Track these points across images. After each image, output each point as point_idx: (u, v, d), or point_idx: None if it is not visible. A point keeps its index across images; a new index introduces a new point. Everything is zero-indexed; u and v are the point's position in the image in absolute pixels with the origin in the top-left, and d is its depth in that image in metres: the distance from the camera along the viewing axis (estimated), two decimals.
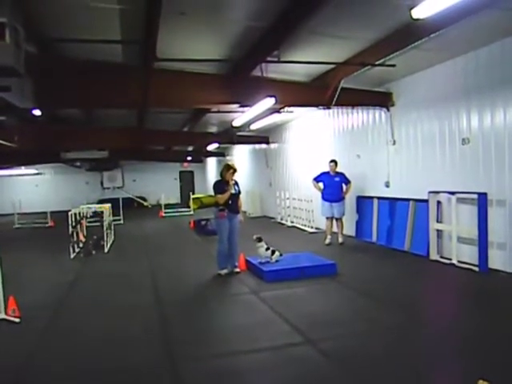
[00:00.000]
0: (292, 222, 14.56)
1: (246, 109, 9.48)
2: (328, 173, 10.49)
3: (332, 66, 8.51)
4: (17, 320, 5.77)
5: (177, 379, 4.02)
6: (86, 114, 13.20)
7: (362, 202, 11.12)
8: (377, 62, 7.63)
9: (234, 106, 9.13)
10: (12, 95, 5.25)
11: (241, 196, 8.33)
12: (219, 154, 24.49)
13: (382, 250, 9.78)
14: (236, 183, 8.17)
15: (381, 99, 9.97)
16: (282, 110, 11.32)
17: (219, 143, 18.38)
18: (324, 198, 10.54)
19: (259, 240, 8.06)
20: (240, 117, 11.14)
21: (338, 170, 10.44)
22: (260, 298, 6.44)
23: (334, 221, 10.66)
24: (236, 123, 12.12)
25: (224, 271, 7.97)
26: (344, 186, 10.44)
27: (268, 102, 8.21)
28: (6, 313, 5.85)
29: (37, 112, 9.45)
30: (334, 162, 10.43)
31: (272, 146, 17.87)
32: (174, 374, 4.13)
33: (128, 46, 7.38)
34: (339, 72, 8.63)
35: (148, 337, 5.17)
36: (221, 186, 7.99)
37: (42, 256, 11.05)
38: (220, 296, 6.73)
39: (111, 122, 14.90)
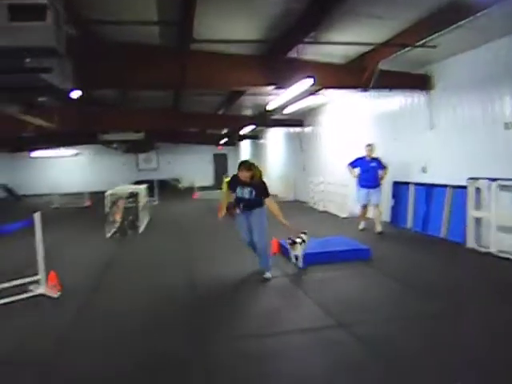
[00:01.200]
0: (324, 207, 14.45)
1: (281, 91, 9.41)
2: (364, 158, 10.19)
3: (370, 47, 8.31)
4: (56, 295, 5.98)
5: (208, 359, 4.08)
6: (123, 96, 13.36)
7: (398, 187, 10.92)
8: (417, 43, 7.40)
9: (270, 88, 9.04)
10: (53, 76, 5.32)
11: (270, 201, 6.61)
12: (253, 137, 24.45)
13: (418, 236, 9.61)
14: (256, 186, 6.46)
15: (420, 82, 9.68)
16: (317, 93, 11.18)
17: (254, 125, 18.33)
18: (360, 185, 10.24)
19: (295, 242, 7.00)
20: (275, 99, 11.05)
21: (375, 154, 10.19)
22: (292, 281, 6.46)
23: (370, 208, 10.42)
24: (271, 106, 12.03)
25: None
26: (380, 172, 10.13)
27: (305, 84, 8.09)
28: (46, 288, 6.07)
29: (76, 93, 9.61)
30: (370, 146, 10.11)
31: (306, 129, 17.71)
32: (205, 354, 4.20)
33: (165, 28, 7.40)
34: (377, 53, 8.42)
35: (181, 316, 5.27)
36: (232, 183, 6.76)
37: (79, 235, 11.37)
38: (253, 278, 6.75)
39: (147, 103, 15.05)
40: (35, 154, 26.98)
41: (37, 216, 6.00)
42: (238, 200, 6.64)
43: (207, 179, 28.92)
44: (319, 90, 10.18)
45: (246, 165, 6.48)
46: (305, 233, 7.17)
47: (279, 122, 18.21)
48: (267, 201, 6.55)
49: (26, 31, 3.97)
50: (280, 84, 8.65)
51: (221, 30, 7.50)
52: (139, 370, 3.95)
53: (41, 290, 6.02)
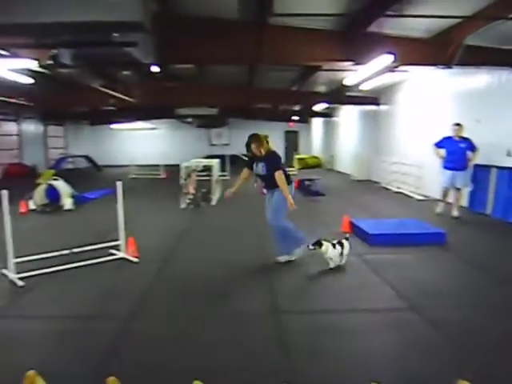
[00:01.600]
0: (398, 188, 14.04)
1: (358, 67, 9.16)
2: (451, 138, 9.51)
3: (456, 20, 7.85)
4: (135, 260, 6.33)
5: (280, 328, 4.17)
6: (199, 71, 13.60)
7: (479, 170, 10.33)
8: (510, 16, 6.89)
9: (348, 64, 8.84)
10: (137, 51, 5.55)
11: (279, 173, 6.00)
12: (326, 114, 24.04)
13: (498, 222, 9.11)
14: (267, 159, 6.13)
15: (510, 58, 9.03)
16: (395, 69, 10.77)
17: (327, 103, 18.03)
18: (445, 166, 9.61)
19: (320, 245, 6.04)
20: (352, 75, 10.78)
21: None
22: (363, 261, 6.38)
23: (452, 191, 9.78)
24: (347, 82, 11.74)
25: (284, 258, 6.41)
26: (469, 154, 9.38)
27: (385, 60, 7.82)
28: (126, 252, 6.44)
29: (155, 68, 9.94)
30: (458, 125, 9.44)
31: (382, 107, 17.16)
32: (278, 323, 4.29)
33: (244, 1, 7.40)
34: (465, 27, 7.93)
35: (252, 287, 5.41)
36: (250, 160, 6.44)
37: (155, 204, 11.87)
38: (319, 255, 6.74)
39: (222, 79, 15.22)
40: (115, 126, 28.25)
41: (119, 185, 6.33)
42: (257, 178, 6.46)
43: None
44: (398, 66, 9.78)
45: (255, 136, 6.22)
46: (347, 238, 6.34)
47: (354, 100, 17.77)
48: (276, 174, 5.99)
49: (115, 6, 4.13)
50: (358, 60, 8.43)
51: (300, 4, 7.40)
52: (216, 326, 4.13)
53: (122, 254, 6.40)
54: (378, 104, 17.39)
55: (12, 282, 5.46)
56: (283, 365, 3.55)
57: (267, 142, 6.21)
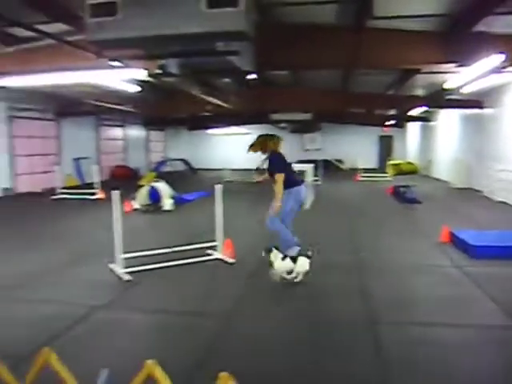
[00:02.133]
0: (504, 198, 13.09)
1: (462, 69, 8.71)
2: None
3: None
4: (232, 261, 6.54)
5: (376, 339, 4.09)
6: (294, 76, 13.72)
7: None
8: None
9: (450, 66, 8.44)
10: (238, 59, 5.75)
11: (278, 176, 5.99)
12: (423, 118, 23.08)
13: None
14: (269, 159, 6.33)
15: None
16: (503, 70, 10.08)
17: (426, 107, 17.32)
18: None
19: (268, 251, 5.81)
20: (454, 78, 10.28)
21: None
22: (464, 273, 6.05)
23: None
24: (449, 85, 11.20)
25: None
26: None
27: (494, 60, 7.37)
28: (222, 253, 6.68)
29: (252, 75, 10.21)
30: None
31: (486, 110, 16.12)
32: (374, 333, 4.22)
33: (343, 6, 7.36)
34: None
35: (346, 293, 5.36)
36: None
37: (249, 208, 12.16)
38: (420, 265, 6.52)
39: (317, 84, 15.22)
40: (211, 131, 29.31)
41: (218, 188, 6.59)
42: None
43: (371, 161, 28.27)
44: (507, 66, 9.15)
45: (259, 137, 6.44)
46: (309, 256, 5.68)
47: (454, 103, 16.88)
48: (276, 176, 5.96)
49: (220, 17, 4.33)
50: (462, 61, 8.00)
51: (400, 5, 7.21)
52: (311, 331, 4.16)
53: (218, 254, 6.65)
54: (481, 107, 16.36)
55: (119, 277, 5.89)
56: (381, 377, 3.49)
57: (274, 144, 6.33)
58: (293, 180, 6.22)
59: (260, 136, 6.53)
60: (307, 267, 5.53)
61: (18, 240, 8.46)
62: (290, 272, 5.59)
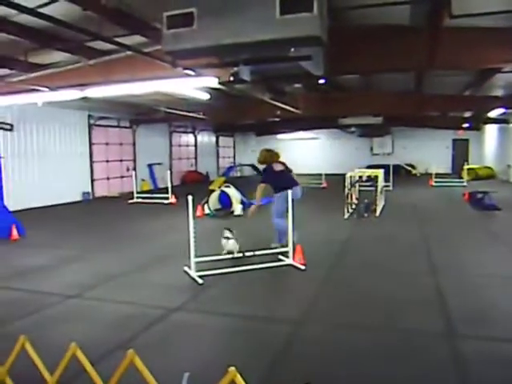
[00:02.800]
0: None
1: None
2: None
3: None
4: (302, 267, 6.50)
5: (457, 355, 3.88)
6: (364, 80, 13.46)
7: None
8: None
9: None
10: (310, 64, 5.73)
11: (259, 186, 7.76)
12: (501, 120, 21.81)
13: None
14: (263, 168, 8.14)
15: None
16: None
17: (505, 108, 16.35)
18: None
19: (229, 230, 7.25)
20: None
21: None
22: None
23: None
24: None
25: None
26: None
27: None
28: (294, 259, 6.66)
29: (321, 80, 10.13)
30: None
31: None
32: (454, 349, 4.00)
33: (416, 6, 7.13)
34: None
35: (422, 303, 5.15)
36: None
37: (317, 213, 12.03)
38: (502, 277, 6.12)
39: (387, 86, 14.84)
40: (279, 136, 29.47)
41: (289, 193, 6.59)
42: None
43: (445, 166, 27.12)
44: None
45: (263, 151, 8.14)
46: (229, 230, 7.19)
47: None
48: (259, 185, 7.67)
49: (294, 23, 4.33)
50: None
51: (478, 2, 6.86)
52: (384, 340, 4.04)
53: (289, 260, 6.64)
54: None
55: (193, 280, 6.03)
56: None
57: (270, 157, 7.93)
58: (281, 186, 7.41)
59: (262, 150, 8.14)
60: (233, 248, 6.90)
61: (96, 241, 8.94)
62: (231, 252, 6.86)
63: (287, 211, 6.72)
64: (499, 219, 10.73)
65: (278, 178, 7.65)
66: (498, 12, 6.97)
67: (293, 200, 6.75)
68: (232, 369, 2.12)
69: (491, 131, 25.49)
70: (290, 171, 8.06)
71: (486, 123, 24.23)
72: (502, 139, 23.27)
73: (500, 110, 16.85)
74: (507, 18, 7.29)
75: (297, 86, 12.02)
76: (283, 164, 8.01)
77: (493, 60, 8.16)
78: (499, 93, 15.74)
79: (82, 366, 2.61)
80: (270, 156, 7.92)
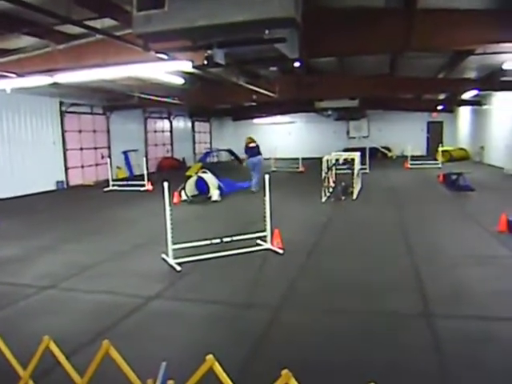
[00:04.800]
0: None
1: None
2: None
3: None
4: (280, 251, 6.50)
5: (434, 334, 3.93)
6: (339, 63, 13.43)
7: None
8: None
9: (507, 46, 8.01)
10: (285, 46, 5.65)
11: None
12: (475, 102, 22.11)
13: None
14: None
15: None
16: None
17: (478, 90, 16.56)
18: None
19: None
20: None
21: None
22: None
23: None
24: (508, 66, 10.62)
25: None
26: None
27: None
28: (272, 243, 6.65)
29: (296, 63, 10.05)
30: None
31: None
32: (431, 328, 4.05)
33: None
34: None
35: (399, 284, 5.21)
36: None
37: (295, 197, 12.07)
38: (475, 256, 6.25)
39: (362, 69, 14.84)
40: (256, 120, 29.33)
41: (266, 178, 6.55)
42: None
43: (420, 148, 27.44)
44: None
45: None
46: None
47: (510, 86, 16.05)
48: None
49: (268, 4, 4.24)
50: None
51: None
52: (363, 324, 4.07)
53: (268, 245, 6.62)
54: None
55: (171, 267, 5.97)
56: (439, 372, 3.36)
57: (249, 140, 14.14)
58: (250, 155, 13.77)
59: (246, 137, 14.45)
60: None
61: (71, 230, 8.77)
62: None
63: (253, 169, 13.40)
64: (473, 200, 10.92)
65: (250, 151, 13.80)
66: None
67: (256, 162, 13.57)
68: (210, 356, 2.08)
69: (465, 113, 25.85)
70: (257, 147, 14.09)
71: (460, 105, 24.57)
72: (475, 121, 23.62)
73: (473, 92, 17.06)
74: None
75: (272, 69, 11.92)
76: (256, 145, 14.07)
77: (466, 41, 8.21)
78: (472, 75, 15.92)
79: (57, 359, 2.54)
80: (249, 140, 14.09)
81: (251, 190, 12.88)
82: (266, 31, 5.00)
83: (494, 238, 7.11)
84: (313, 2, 7.54)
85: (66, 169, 17.09)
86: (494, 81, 15.18)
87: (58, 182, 16.42)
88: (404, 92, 18.23)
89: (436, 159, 20.80)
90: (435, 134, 28.53)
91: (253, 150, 13.70)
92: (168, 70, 9.21)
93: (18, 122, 14.82)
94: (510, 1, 7.19)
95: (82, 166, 18.03)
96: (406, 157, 20.94)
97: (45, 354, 2.60)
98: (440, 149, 21.25)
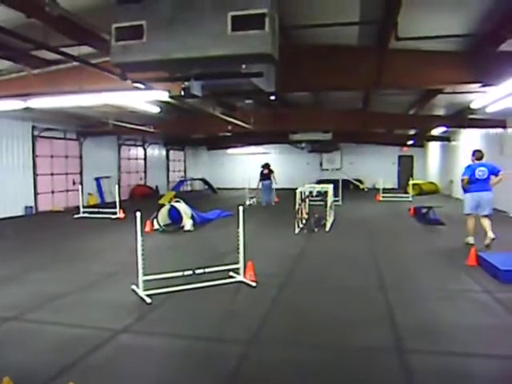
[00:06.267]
0: None
1: (485, 88, 8.58)
2: None
3: None
4: (253, 284, 6.43)
5: (406, 369, 3.92)
6: (314, 97, 13.71)
7: None
8: None
9: (475, 86, 8.33)
10: (262, 80, 5.74)
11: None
12: (444, 138, 22.80)
13: None
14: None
15: None
16: None
17: (447, 127, 17.11)
18: None
19: None
20: (480, 98, 10.12)
21: None
22: (495, 299, 5.83)
23: None
24: (475, 105, 11.01)
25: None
26: None
27: None
28: (245, 276, 6.58)
29: (272, 97, 10.21)
30: None
31: (509, 130, 15.83)
32: (404, 363, 4.05)
33: (365, 27, 7.34)
34: None
35: (372, 318, 5.21)
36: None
37: (268, 229, 12.07)
38: (447, 290, 6.32)
39: (337, 104, 15.20)
40: (230, 151, 29.49)
41: (240, 209, 6.54)
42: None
43: (391, 181, 28.01)
44: None
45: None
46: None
47: (476, 123, 16.64)
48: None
49: (246, 40, 4.31)
50: (488, 81, 7.87)
51: (422, 26, 7.15)
52: (336, 359, 4.02)
53: (240, 277, 6.55)
54: (504, 126, 16.08)
55: (141, 299, 5.83)
56: None
57: (264, 166, 18.50)
58: (262, 179, 18.28)
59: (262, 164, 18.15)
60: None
61: (38, 259, 8.50)
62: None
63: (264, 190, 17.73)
64: (443, 233, 11.10)
65: (263, 176, 18.20)
66: (440, 36, 7.30)
67: (266, 185, 18.00)
68: None
69: (434, 148, 26.60)
70: (271, 172, 18.47)
71: (429, 140, 25.29)
72: (444, 156, 24.31)
73: (442, 129, 17.63)
74: (448, 41, 7.65)
75: (248, 101, 12.09)
76: (269, 169, 18.43)
77: (437, 81, 8.51)
78: (441, 112, 16.49)
79: None
80: (264, 167, 18.38)
81: (262, 204, 18.15)
82: (243, 66, 5.07)
83: (464, 272, 7.22)
84: (289, 38, 7.74)
85: (36, 194, 16.70)
86: (462, 118, 15.72)
87: (26, 208, 16.00)
88: (376, 127, 18.68)
89: (407, 192, 21.20)
90: (406, 167, 29.21)
91: (265, 176, 18.23)
92: (144, 99, 9.22)
93: None
94: (479, 44, 7.52)
95: (53, 192, 17.66)
96: (378, 189, 21.30)
97: None
98: (411, 182, 21.70)
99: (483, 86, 8.14)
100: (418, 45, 7.77)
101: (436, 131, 18.67)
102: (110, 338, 4.64)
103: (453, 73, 8.14)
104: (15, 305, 5.71)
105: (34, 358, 4.20)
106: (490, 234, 8.70)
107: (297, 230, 11.07)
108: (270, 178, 18.29)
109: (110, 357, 4.25)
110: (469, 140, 20.08)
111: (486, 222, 8.98)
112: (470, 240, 9.23)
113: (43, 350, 4.38)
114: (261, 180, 18.24)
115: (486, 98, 9.72)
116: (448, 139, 22.69)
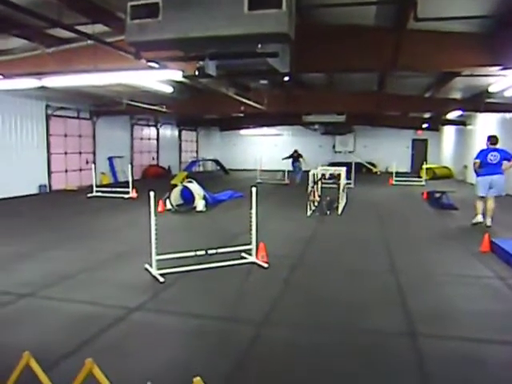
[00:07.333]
0: None
1: (505, 72, 8.39)
2: None
3: None
4: (265, 265, 6.46)
5: (418, 353, 3.93)
6: (328, 78, 13.54)
7: None
8: None
9: (494, 69, 8.15)
10: (277, 61, 5.67)
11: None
12: (459, 122, 22.50)
13: None
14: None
15: None
16: None
17: (463, 110, 16.84)
18: None
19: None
20: (499, 81, 9.92)
21: None
22: (508, 286, 5.79)
23: None
24: (494, 88, 10.81)
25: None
26: None
27: None
28: (257, 257, 6.61)
29: (286, 77, 10.12)
30: None
31: None
32: (415, 347, 4.05)
33: (383, 7, 7.18)
34: None
35: (383, 302, 5.21)
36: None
37: (280, 210, 12.06)
38: (459, 275, 6.29)
39: (351, 86, 15.00)
40: (243, 131, 29.40)
41: (254, 191, 6.54)
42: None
43: (404, 165, 27.77)
44: None
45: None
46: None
47: (494, 107, 16.35)
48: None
49: (263, 19, 4.25)
50: (508, 64, 7.70)
51: (442, 7, 6.99)
52: (346, 341, 4.04)
53: (252, 258, 6.59)
54: None
55: (154, 278, 5.89)
56: None
57: (294, 151, 21.47)
58: (293, 161, 21.25)
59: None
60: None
61: (52, 237, 8.60)
62: None
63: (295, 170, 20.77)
64: (456, 218, 11.01)
65: (293, 158, 21.10)
66: (460, 17, 7.11)
67: (295, 165, 21.02)
68: (197, 379, 2.04)
69: (449, 132, 26.24)
70: (300, 156, 21.09)
71: (444, 124, 24.95)
72: (459, 140, 23.99)
73: (458, 112, 17.35)
74: (469, 23, 7.47)
75: (262, 82, 12.00)
76: (298, 154, 21.10)
77: (456, 64, 8.35)
78: (458, 95, 16.20)
79: (36, 375, 2.46)
80: (294, 151, 21.08)
81: (296, 181, 19.78)
82: (259, 45, 5.01)
83: (476, 258, 7.17)
84: (305, 18, 7.62)
85: (50, 173, 16.86)
86: (478, 102, 15.43)
87: (40, 186, 16.18)
88: (391, 109, 18.47)
89: (420, 176, 21.05)
90: (420, 151, 28.90)
91: (295, 158, 21.10)
92: (158, 78, 9.19)
93: (2, 123, 14.60)
94: (499, 26, 7.33)
95: (66, 171, 17.82)
96: (391, 173, 21.14)
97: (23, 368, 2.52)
98: (424, 166, 21.50)
99: (503, 69, 7.97)
100: (437, 25, 7.60)
101: (452, 115, 18.39)
102: (125, 316, 4.71)
103: (472, 55, 7.96)
104: (30, 282, 5.80)
105: (48, 335, 4.27)
106: (488, 222, 9.22)
107: (309, 213, 11.06)
108: (298, 161, 21.01)
109: (125, 334, 4.31)
110: (485, 125, 19.78)
111: (492, 206, 9.04)
112: (479, 218, 9.27)
113: (59, 327, 4.45)
114: (293, 162, 21.16)
115: (504, 81, 9.52)
116: (464, 123, 22.36)
